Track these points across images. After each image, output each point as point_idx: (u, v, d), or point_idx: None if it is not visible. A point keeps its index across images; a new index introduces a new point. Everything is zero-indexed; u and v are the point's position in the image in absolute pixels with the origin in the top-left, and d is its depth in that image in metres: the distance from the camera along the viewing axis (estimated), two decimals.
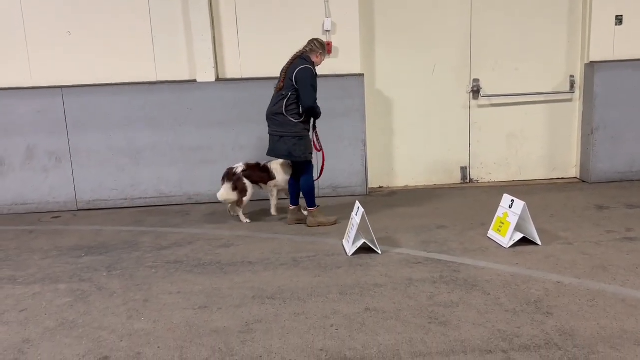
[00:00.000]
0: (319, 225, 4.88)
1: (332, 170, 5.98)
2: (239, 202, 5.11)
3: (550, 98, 6.25)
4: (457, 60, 6.15)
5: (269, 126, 4.83)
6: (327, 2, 5.77)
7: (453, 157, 6.36)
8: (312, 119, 4.86)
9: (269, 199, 5.36)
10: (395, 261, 3.97)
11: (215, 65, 5.80)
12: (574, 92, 6.21)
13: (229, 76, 5.93)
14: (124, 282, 3.79)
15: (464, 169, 6.39)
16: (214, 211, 5.61)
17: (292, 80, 4.61)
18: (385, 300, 3.32)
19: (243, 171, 5.07)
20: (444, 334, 2.89)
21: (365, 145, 5.98)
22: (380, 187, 6.40)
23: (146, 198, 5.91)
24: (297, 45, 5.80)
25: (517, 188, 6.04)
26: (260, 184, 5.17)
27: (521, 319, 3.02)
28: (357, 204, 4.26)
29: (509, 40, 6.11)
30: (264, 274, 3.85)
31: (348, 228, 4.38)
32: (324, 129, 5.86)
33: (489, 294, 3.36)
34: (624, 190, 5.71)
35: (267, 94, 5.80)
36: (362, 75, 5.90)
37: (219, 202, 5.84)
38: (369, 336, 2.90)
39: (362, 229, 4.16)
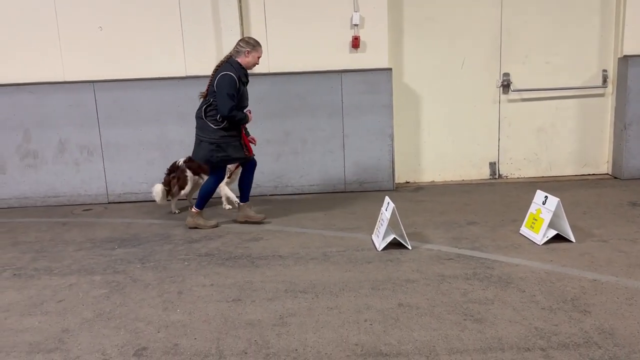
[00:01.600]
0: (196, 227, 4.85)
1: (358, 165, 5.99)
2: (174, 193, 5.30)
3: (581, 93, 6.13)
4: (487, 54, 6.06)
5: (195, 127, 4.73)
6: None
7: (482, 152, 6.28)
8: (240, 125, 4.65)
9: (294, 194, 5.38)
10: (426, 257, 3.95)
11: None
12: (606, 87, 6.07)
13: (257, 71, 5.94)
14: (158, 274, 3.85)
15: (492, 165, 6.31)
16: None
17: (212, 86, 4.51)
18: (418, 296, 3.31)
19: (185, 162, 5.24)
20: (479, 330, 2.87)
21: (392, 140, 5.95)
22: (407, 183, 6.36)
23: None
24: (325, 40, 5.84)
25: (547, 184, 5.95)
26: (204, 176, 5.23)
27: (558, 316, 2.98)
28: (387, 199, 4.24)
29: (540, 33, 5.99)
30: (295, 267, 3.87)
31: (377, 223, 4.37)
32: (352, 123, 5.88)
33: (524, 291, 3.32)
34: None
35: (294, 88, 5.86)
36: (390, 69, 5.86)
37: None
38: (403, 332, 2.89)
39: (391, 224, 4.14)
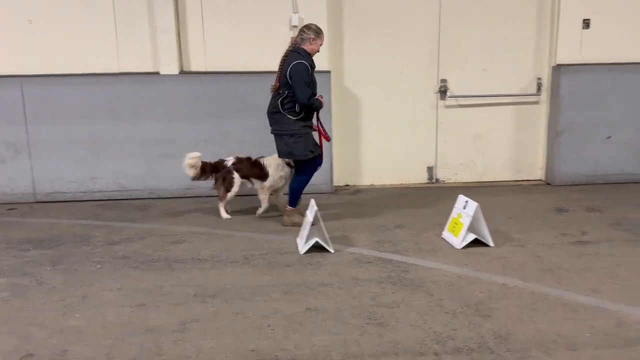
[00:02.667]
0: (293, 225, 4.68)
1: None
2: (221, 196, 4.94)
3: (517, 100, 6.25)
4: (426, 60, 6.12)
5: (270, 124, 4.68)
6: None
7: (420, 156, 6.33)
8: (315, 112, 4.67)
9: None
10: (346, 260, 3.94)
11: (179, 57, 5.71)
12: (540, 95, 6.21)
13: (193, 69, 5.84)
14: (67, 277, 3.71)
15: (430, 169, 6.37)
16: (174, 206, 5.52)
17: (286, 77, 4.45)
18: (328, 300, 3.28)
19: (233, 164, 4.89)
20: (379, 335, 2.86)
21: (331, 143, 5.92)
22: (347, 186, 6.36)
23: (106, 191, 5.81)
24: (264, 40, 5.77)
25: (482, 189, 6.04)
26: (251, 179, 4.94)
27: (459, 320, 3.00)
28: (312, 202, 4.21)
29: (477, 41, 6.09)
30: (212, 271, 3.79)
31: (302, 226, 4.33)
32: None
33: (433, 295, 3.33)
34: (586, 194, 5.73)
35: (232, 88, 5.78)
36: (329, 72, 5.84)
37: (180, 197, 5.80)
38: (304, 336, 2.86)
39: (315, 227, 4.11)
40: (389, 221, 4.89)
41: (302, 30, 4.56)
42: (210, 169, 4.97)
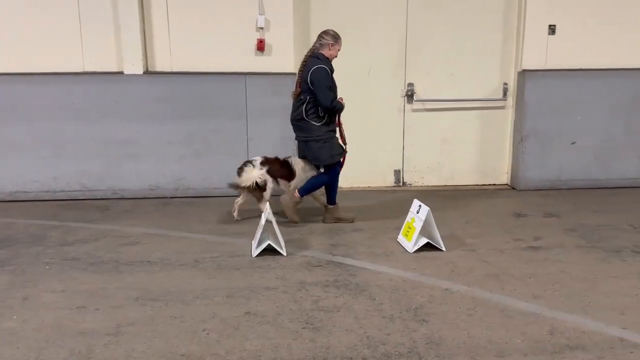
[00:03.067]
0: (336, 222, 4.81)
1: None
2: (258, 198, 4.78)
3: (483, 105, 6.28)
4: (393, 63, 6.14)
5: (294, 132, 4.78)
6: None
7: (387, 159, 6.35)
8: (337, 115, 4.75)
9: (196, 197, 5.27)
10: (297, 264, 3.94)
11: (143, 57, 5.69)
12: (506, 100, 6.25)
13: (158, 69, 5.82)
14: (13, 278, 3.68)
15: (397, 172, 6.39)
16: (137, 207, 5.50)
17: (307, 83, 4.53)
18: (270, 304, 3.28)
19: (262, 164, 4.79)
20: (312, 339, 2.86)
21: (296, 144, 5.92)
22: None
23: (69, 191, 5.77)
24: (230, 41, 5.76)
25: (448, 193, 6.07)
26: (279, 180, 4.86)
27: (395, 325, 3.01)
28: (267, 205, 4.21)
29: (444, 45, 6.11)
30: (159, 274, 3.78)
31: (257, 228, 4.33)
32: (257, 126, 5.83)
33: (375, 299, 3.34)
34: (548, 199, 5.77)
35: (198, 89, 5.76)
36: (295, 74, 5.83)
37: (144, 198, 5.78)
38: (237, 341, 2.85)
39: (269, 230, 4.11)
40: (348, 224, 4.89)
41: (320, 36, 4.65)
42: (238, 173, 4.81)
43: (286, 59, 5.85)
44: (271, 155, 5.02)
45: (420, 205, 4.22)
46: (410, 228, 4.27)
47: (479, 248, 4.25)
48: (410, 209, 4.36)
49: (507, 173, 6.44)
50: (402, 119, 6.27)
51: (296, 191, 4.79)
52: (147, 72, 5.74)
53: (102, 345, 2.81)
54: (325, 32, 4.65)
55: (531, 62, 6.01)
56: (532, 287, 3.50)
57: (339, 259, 4.03)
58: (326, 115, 4.61)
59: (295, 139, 4.83)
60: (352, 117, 6.18)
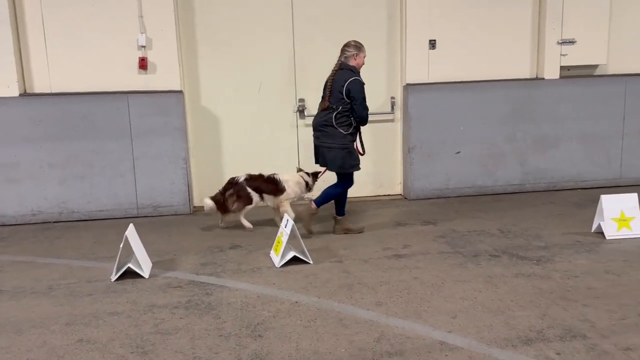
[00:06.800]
0: (346, 233, 4.99)
1: (152, 189, 5.83)
2: (238, 209, 5.11)
3: (374, 118, 6.37)
4: (283, 79, 6.21)
5: (317, 137, 4.85)
6: (142, 17, 5.65)
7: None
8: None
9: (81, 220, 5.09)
10: (155, 286, 3.86)
11: (20, 79, 5.51)
12: (394, 113, 6.45)
13: (37, 91, 5.64)
14: None
15: None
16: (14, 233, 5.27)
17: (341, 94, 4.66)
18: (107, 330, 3.19)
19: (246, 180, 5.09)
20: None
21: (187, 163, 5.88)
22: None
23: None
24: (111, 60, 5.67)
25: None
26: (264, 195, 5.15)
27: (228, 343, 2.99)
28: (131, 227, 4.12)
29: (331, 60, 6.17)
30: (6, 304, 3.61)
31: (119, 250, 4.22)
32: (142, 146, 5.73)
33: (220, 317, 3.32)
34: (434, 207, 5.94)
35: (78, 110, 5.63)
36: (181, 92, 5.81)
37: (25, 224, 5.55)
38: None
39: (127, 254, 4.02)
40: (228, 241, 4.86)
41: (343, 50, 4.81)
42: (222, 192, 5.14)
43: (171, 77, 5.81)
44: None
45: (287, 220, 4.25)
46: (279, 242, 4.29)
47: (347, 259, 4.32)
48: (281, 224, 4.39)
49: (400, 183, 6.62)
50: (296, 134, 6.34)
51: (312, 202, 4.92)
52: (24, 94, 5.56)
53: None
54: (347, 45, 4.82)
55: (414, 76, 6.24)
56: (380, 295, 3.58)
57: (203, 279, 3.99)
58: (353, 125, 4.75)
59: (317, 144, 4.89)
60: (246, 133, 6.24)
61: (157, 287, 3.84)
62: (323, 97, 4.86)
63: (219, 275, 4.04)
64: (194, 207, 6.11)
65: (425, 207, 5.96)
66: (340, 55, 4.84)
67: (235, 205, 5.09)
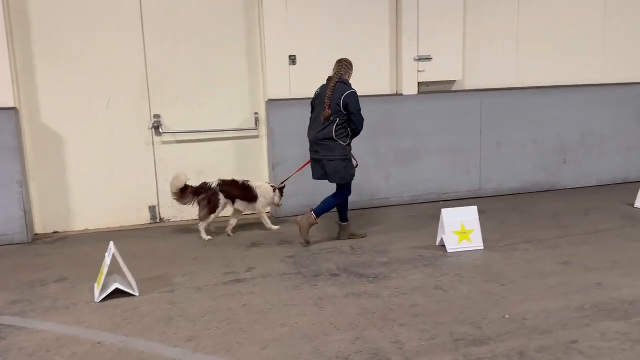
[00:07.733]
0: (351, 238, 5.13)
1: None
2: (203, 217, 5.22)
3: (238, 134, 6.26)
4: (135, 94, 5.85)
5: (315, 151, 4.94)
6: None
7: (140, 196, 5.99)
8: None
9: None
10: None
11: None
12: (258, 129, 6.29)
13: None
14: None
15: (152, 209, 6.06)
16: None
17: (339, 106, 4.76)
18: None
19: (219, 186, 5.20)
20: None
21: (22, 187, 5.33)
22: (55, 232, 5.75)
23: None
24: None
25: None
26: (236, 202, 5.31)
27: None
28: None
29: (189, 76, 5.98)
30: None
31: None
32: None
33: None
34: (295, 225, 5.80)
35: None
36: (15, 109, 5.27)
37: None
38: None
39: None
40: (56, 274, 4.41)
41: (344, 65, 4.96)
42: (193, 192, 5.21)
43: (5, 93, 5.26)
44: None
45: (110, 249, 3.89)
46: (101, 274, 3.92)
47: (181, 287, 4.04)
48: (107, 253, 4.02)
49: None
50: (152, 152, 5.99)
51: (312, 212, 4.91)
52: None
53: None
54: (346, 61, 5.00)
55: (276, 91, 6.12)
56: (197, 328, 3.34)
57: (4, 320, 3.53)
58: (350, 137, 4.90)
59: (315, 158, 4.97)
60: (96, 152, 5.79)
61: None
62: (319, 108, 4.91)
63: (26, 315, 3.60)
64: (35, 234, 5.55)
65: (288, 225, 5.81)
66: (340, 69, 4.95)
67: (204, 212, 5.18)
